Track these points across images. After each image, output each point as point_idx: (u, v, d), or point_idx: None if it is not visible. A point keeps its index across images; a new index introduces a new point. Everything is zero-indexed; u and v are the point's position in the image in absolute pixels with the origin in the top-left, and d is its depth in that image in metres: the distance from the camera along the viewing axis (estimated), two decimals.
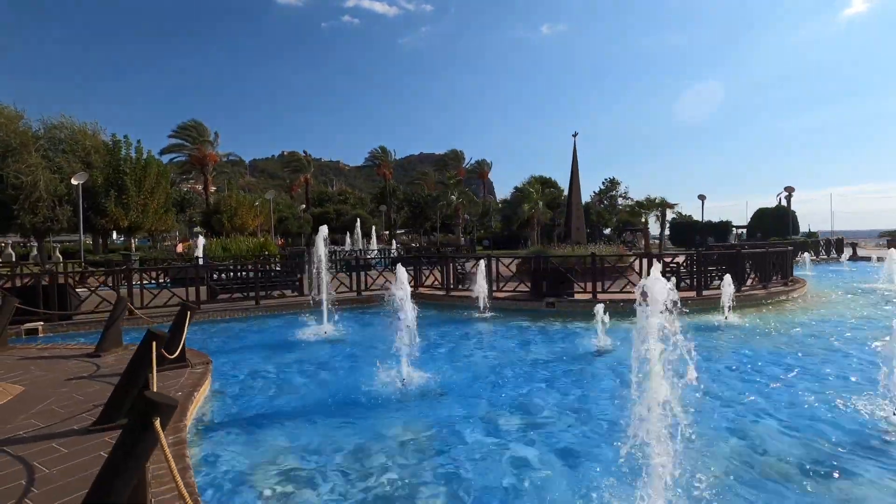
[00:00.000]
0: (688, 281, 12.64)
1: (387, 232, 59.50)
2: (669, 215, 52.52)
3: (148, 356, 4.28)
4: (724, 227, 46.39)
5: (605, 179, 63.89)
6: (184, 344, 6.25)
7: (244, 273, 13.23)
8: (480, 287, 11.49)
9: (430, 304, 13.30)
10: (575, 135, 18.57)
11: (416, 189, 72.29)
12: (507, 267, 14.59)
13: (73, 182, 24.62)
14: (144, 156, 30.32)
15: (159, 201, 29.99)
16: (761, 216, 45.40)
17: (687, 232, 46.52)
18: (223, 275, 13.11)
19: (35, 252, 40.92)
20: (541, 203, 37.83)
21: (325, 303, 10.22)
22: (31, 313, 9.86)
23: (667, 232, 54.69)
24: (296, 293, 13.47)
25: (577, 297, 12.18)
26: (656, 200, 43.74)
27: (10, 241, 41.11)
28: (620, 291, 12.09)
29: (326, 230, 10.44)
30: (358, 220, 49.00)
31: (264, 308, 12.13)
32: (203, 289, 12.31)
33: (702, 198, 48.13)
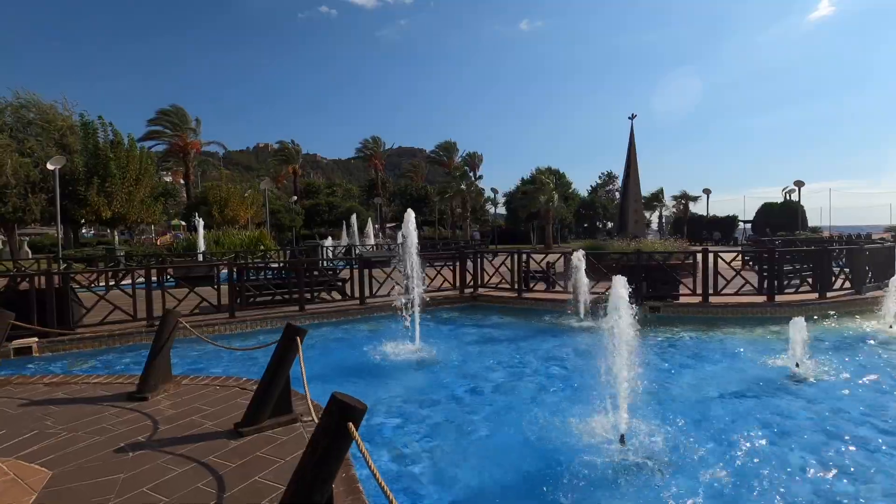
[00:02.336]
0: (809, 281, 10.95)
1: (377, 226, 57.11)
2: (668, 209, 51.64)
3: (334, 449, 2.19)
4: (730, 222, 45.57)
5: (602, 173, 62.91)
6: (288, 384, 4.14)
7: (281, 271, 10.98)
8: (581, 288, 9.53)
9: (499, 308, 11.35)
10: (632, 117, 16.82)
11: (407, 182, 70.04)
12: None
13: (49, 167, 21.68)
14: (125, 140, 27.33)
15: (146, 190, 27.04)
16: (768, 211, 44.73)
17: (693, 227, 45.57)
18: (259, 273, 10.83)
19: (0, 246, 37.18)
20: (556, 195, 35.97)
21: (416, 309, 8.05)
22: (21, 327, 7.49)
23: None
24: (340, 296, 11.30)
25: (681, 300, 10.39)
26: (676, 194, 42.27)
27: None
28: (736, 293, 10.34)
29: (413, 216, 8.26)
30: (354, 213, 46.66)
31: (311, 314, 9.94)
32: (213, 287, 10.04)
33: (707, 192, 47.33)
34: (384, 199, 61.20)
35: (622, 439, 4.21)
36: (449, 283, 12.18)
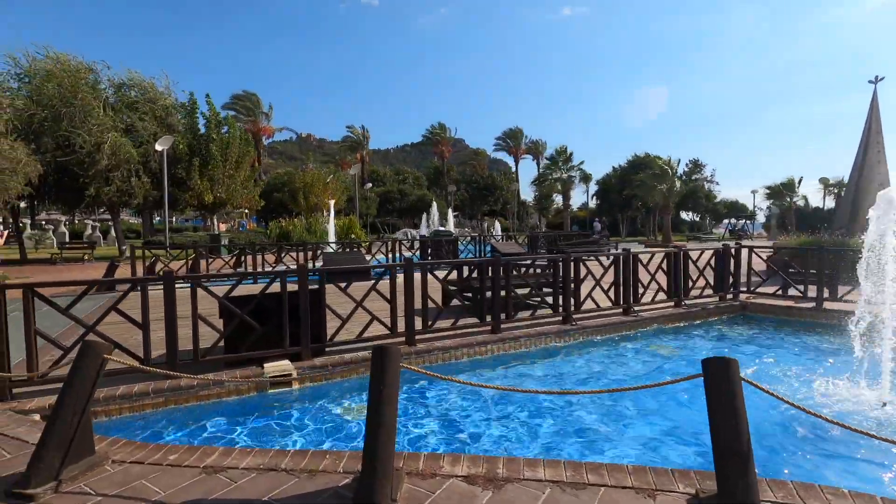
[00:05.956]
0: None
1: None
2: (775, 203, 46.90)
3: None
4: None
5: (689, 161, 58.33)
6: None
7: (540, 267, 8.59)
8: None
9: (792, 323, 8.60)
10: (877, 79, 13.49)
11: (470, 170, 67.61)
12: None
13: (158, 147, 20.25)
14: (222, 121, 25.78)
15: (245, 173, 25.46)
16: None
17: (808, 222, 40.94)
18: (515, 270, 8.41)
19: (89, 231, 36.90)
20: (678, 182, 32.36)
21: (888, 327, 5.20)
22: (271, 344, 5.30)
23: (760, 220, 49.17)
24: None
25: None
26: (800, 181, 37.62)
27: (63, 219, 37.03)
28: None
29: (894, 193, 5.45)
30: (431, 201, 44.57)
31: (582, 329, 7.45)
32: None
33: (824, 182, 42.54)
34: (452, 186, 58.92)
35: None
36: (708, 284, 9.47)
